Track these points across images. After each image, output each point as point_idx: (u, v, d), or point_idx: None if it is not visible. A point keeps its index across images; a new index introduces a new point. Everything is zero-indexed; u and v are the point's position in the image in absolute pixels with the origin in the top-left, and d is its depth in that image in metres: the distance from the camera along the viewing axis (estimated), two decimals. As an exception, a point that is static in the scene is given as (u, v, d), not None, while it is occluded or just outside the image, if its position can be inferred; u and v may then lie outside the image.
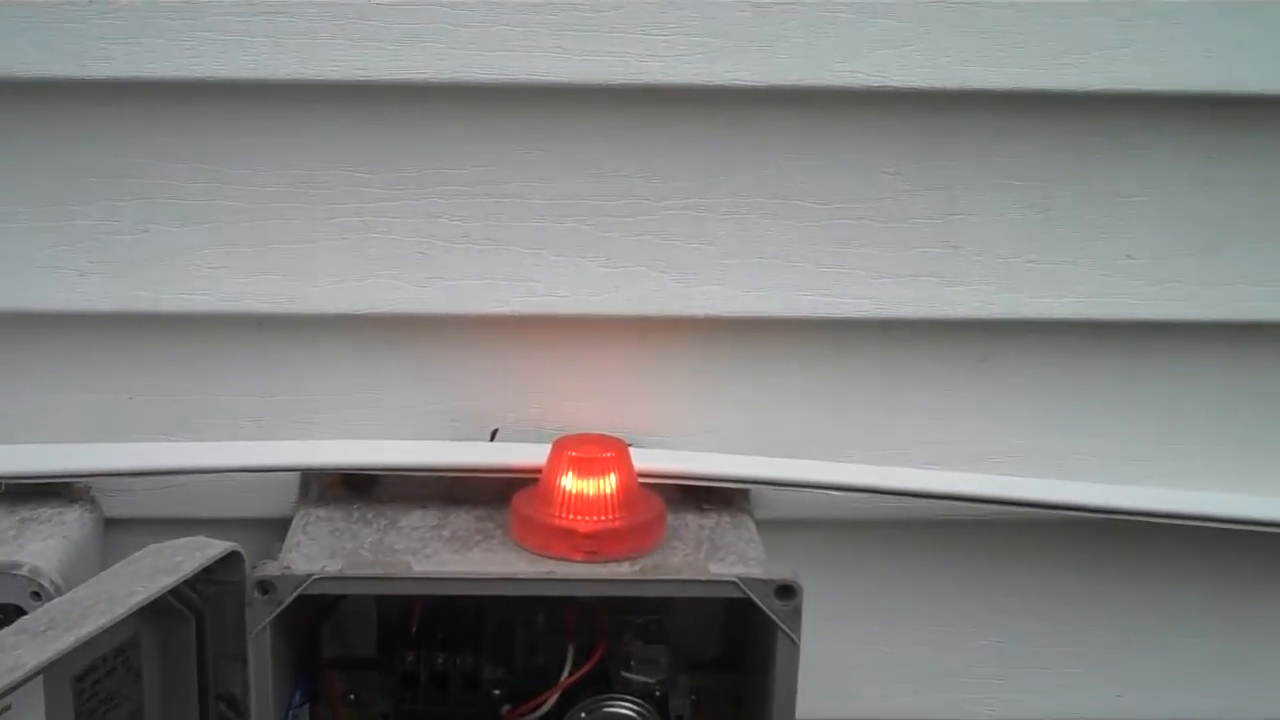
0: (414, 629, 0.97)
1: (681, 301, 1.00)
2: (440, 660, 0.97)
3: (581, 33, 0.93)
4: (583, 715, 0.95)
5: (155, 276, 0.98)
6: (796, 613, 0.88)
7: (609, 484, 0.91)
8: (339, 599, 1.00)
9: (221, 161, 0.96)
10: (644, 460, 0.96)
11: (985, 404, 1.04)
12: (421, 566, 0.89)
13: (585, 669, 0.96)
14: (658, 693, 0.97)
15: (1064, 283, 1.00)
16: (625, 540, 0.91)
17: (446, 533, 0.95)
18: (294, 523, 0.97)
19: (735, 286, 1.00)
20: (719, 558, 0.93)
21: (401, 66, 0.93)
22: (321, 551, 0.92)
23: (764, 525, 1.00)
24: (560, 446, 0.93)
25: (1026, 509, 1.02)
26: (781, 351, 1.02)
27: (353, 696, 1.00)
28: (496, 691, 0.97)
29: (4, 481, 0.98)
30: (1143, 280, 1.00)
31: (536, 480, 0.94)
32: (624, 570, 0.90)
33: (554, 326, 1.01)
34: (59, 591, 0.87)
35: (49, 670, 0.72)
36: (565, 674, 0.96)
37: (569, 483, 0.91)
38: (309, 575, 0.87)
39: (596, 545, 0.90)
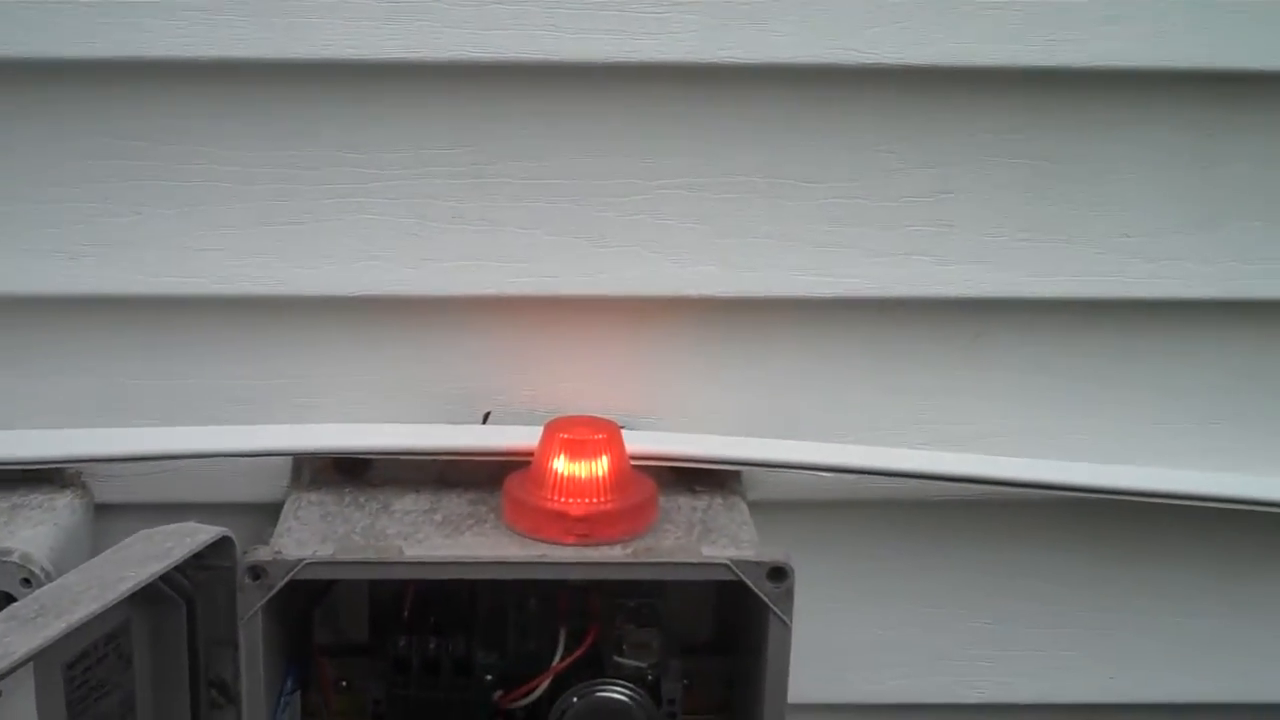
0: (406, 614, 0.97)
1: (675, 282, 0.99)
2: (432, 645, 0.97)
3: (574, 10, 0.92)
4: (575, 699, 0.95)
5: (147, 259, 0.97)
6: (789, 595, 0.88)
7: (601, 466, 0.91)
8: (330, 584, 1.00)
9: (213, 143, 0.95)
10: (636, 442, 0.96)
11: (979, 383, 1.04)
12: (413, 551, 0.89)
13: (577, 653, 0.95)
14: (650, 677, 0.97)
15: (1058, 261, 1.00)
16: (617, 523, 0.91)
17: (438, 516, 0.95)
18: (285, 507, 0.97)
19: (729, 266, 0.99)
20: (711, 540, 0.93)
21: (394, 46, 0.92)
22: (313, 536, 0.92)
23: (756, 507, 0.99)
24: (552, 429, 0.92)
25: (1020, 489, 1.02)
26: (775, 331, 1.02)
27: (344, 683, 1.00)
28: (489, 676, 0.97)
29: (-6, 467, 0.98)
30: (1138, 258, 1.00)
31: (529, 463, 0.94)
32: (616, 553, 0.90)
33: (547, 307, 1.00)
34: (49, 578, 0.86)
35: (39, 657, 0.71)
36: (557, 658, 0.96)
37: (561, 465, 0.91)
38: (300, 560, 0.87)
39: (588, 528, 0.90)
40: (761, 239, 0.99)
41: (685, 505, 0.98)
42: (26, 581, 0.86)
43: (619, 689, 0.96)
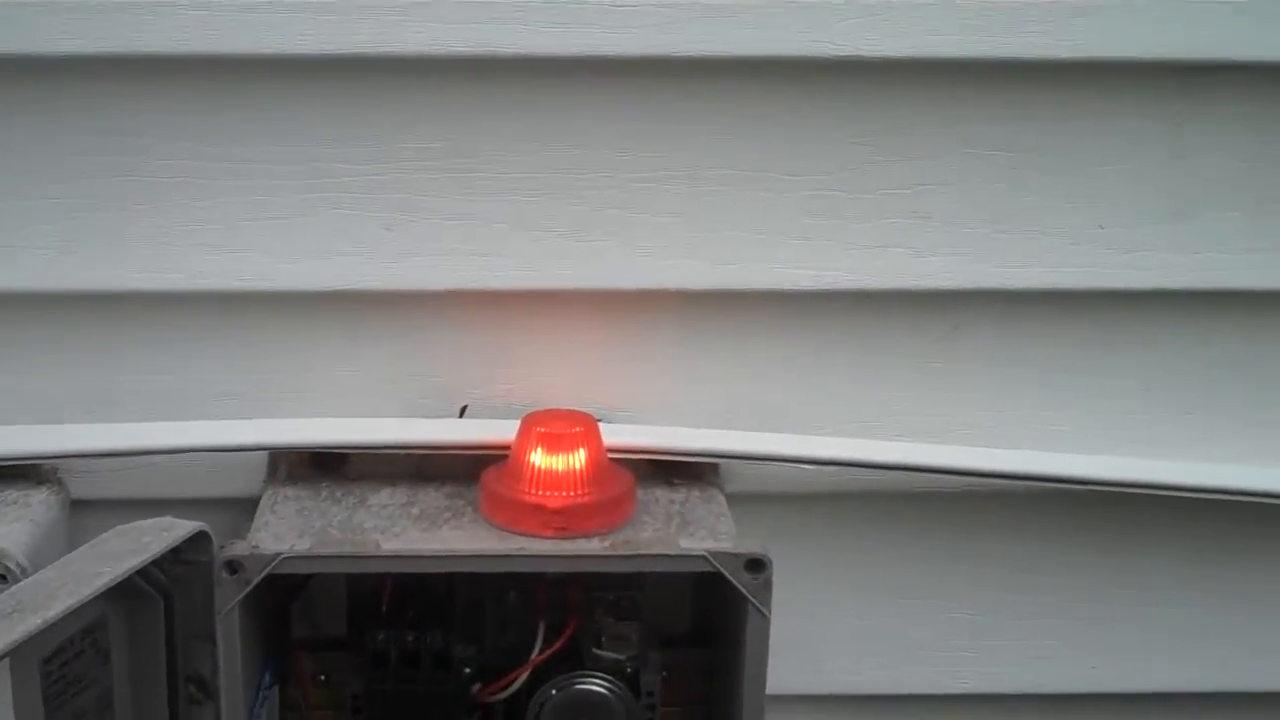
0: (384, 608, 0.97)
1: (652, 275, 0.99)
2: (410, 639, 0.97)
3: (547, 3, 0.92)
4: (554, 692, 0.95)
5: (128, 255, 0.97)
6: (767, 586, 0.88)
7: (578, 459, 0.91)
8: (308, 578, 1.00)
9: (196, 139, 0.95)
10: (613, 435, 0.96)
11: (956, 375, 1.04)
12: (391, 544, 0.89)
13: (556, 646, 0.95)
14: (629, 669, 0.97)
15: (1034, 253, 1.00)
16: (595, 516, 0.91)
17: (416, 510, 0.95)
18: (262, 502, 0.97)
19: (705, 259, 0.99)
20: (689, 532, 0.93)
21: (367, 40, 0.92)
22: (290, 530, 0.91)
23: (734, 499, 0.99)
24: (529, 422, 0.92)
25: (998, 480, 1.02)
26: (751, 324, 1.02)
27: (323, 677, 1.00)
28: (467, 670, 0.97)
29: (-31, 464, 0.98)
30: (1114, 249, 1.00)
31: (506, 456, 0.93)
32: (594, 546, 0.90)
33: (523, 301, 1.00)
34: (26, 574, 0.86)
35: (15, 653, 0.71)
36: (536, 651, 0.95)
37: (538, 458, 0.91)
38: (277, 554, 0.87)
39: (566, 521, 0.90)
40: (739, 231, 0.99)
41: (663, 498, 0.98)
42: (2, 577, 0.86)
43: (598, 681, 0.95)
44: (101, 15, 0.90)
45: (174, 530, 0.83)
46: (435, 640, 0.97)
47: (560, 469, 0.91)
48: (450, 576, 0.97)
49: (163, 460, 0.98)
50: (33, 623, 0.71)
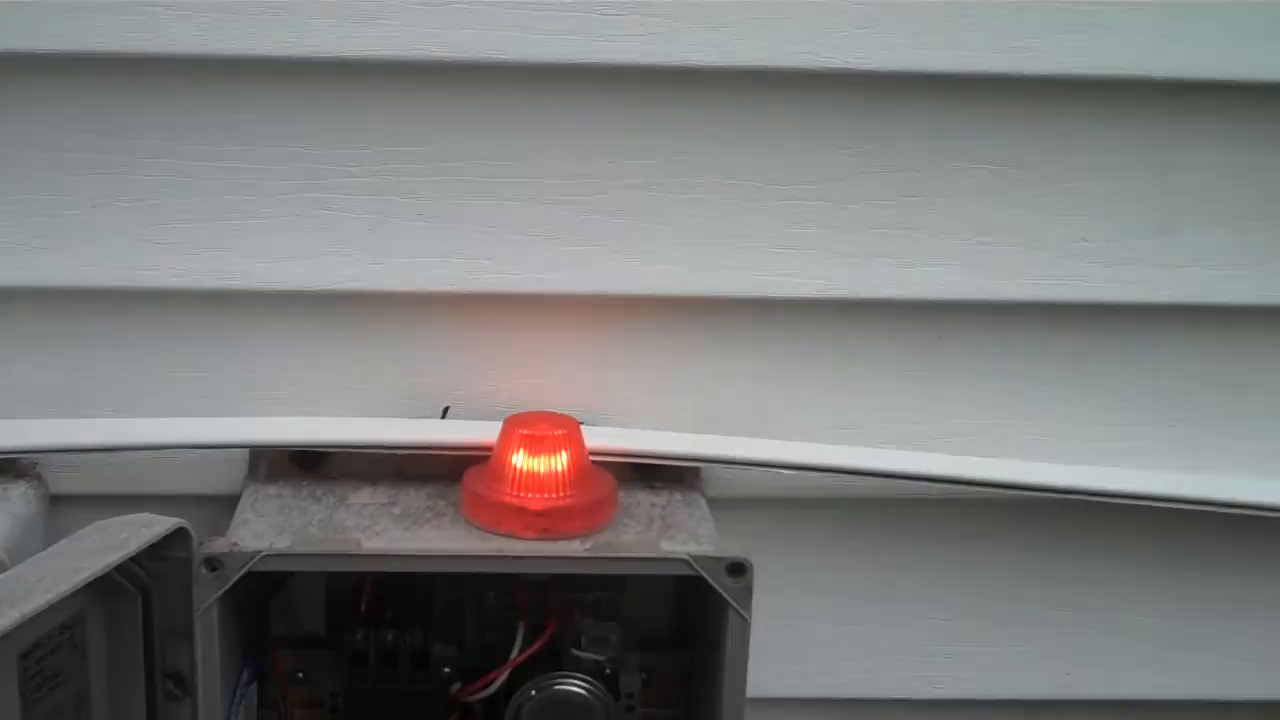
0: (363, 607, 0.97)
1: (635, 280, 0.99)
2: (389, 638, 0.97)
3: (535, 11, 0.92)
4: (533, 693, 0.95)
5: (104, 253, 0.97)
6: (748, 590, 0.88)
7: (560, 462, 0.91)
8: (287, 576, 1.00)
9: (172, 137, 0.95)
10: (596, 438, 0.96)
11: (940, 385, 1.05)
12: (371, 544, 0.89)
13: (535, 647, 0.95)
14: (608, 670, 0.97)
15: (1019, 265, 1.01)
16: (576, 518, 0.91)
17: (397, 510, 0.95)
18: (242, 499, 0.96)
19: (690, 266, 0.99)
20: (670, 536, 0.93)
21: (353, 44, 0.92)
22: (270, 528, 0.91)
23: (716, 504, 1.00)
24: (511, 424, 0.92)
25: (980, 488, 1.02)
26: (737, 331, 1.02)
27: (301, 675, 1.00)
28: (446, 669, 0.97)
29: (-52, 458, 0.97)
30: (1097, 263, 1.01)
31: (488, 458, 0.93)
32: (575, 548, 0.90)
33: (507, 304, 1.00)
34: (3, 568, 0.85)
35: (-8, 647, 0.71)
36: (515, 652, 0.96)
37: (520, 460, 0.91)
38: (257, 552, 0.87)
39: (547, 523, 0.90)
40: (724, 239, 0.99)
41: (644, 501, 0.98)
42: (-20, 571, 0.86)
43: (577, 682, 0.95)
44: (88, 15, 0.90)
45: (153, 526, 0.83)
46: (414, 640, 0.97)
47: (542, 471, 0.91)
48: (430, 576, 0.97)
49: (143, 456, 0.98)
50: (10, 617, 0.71)
